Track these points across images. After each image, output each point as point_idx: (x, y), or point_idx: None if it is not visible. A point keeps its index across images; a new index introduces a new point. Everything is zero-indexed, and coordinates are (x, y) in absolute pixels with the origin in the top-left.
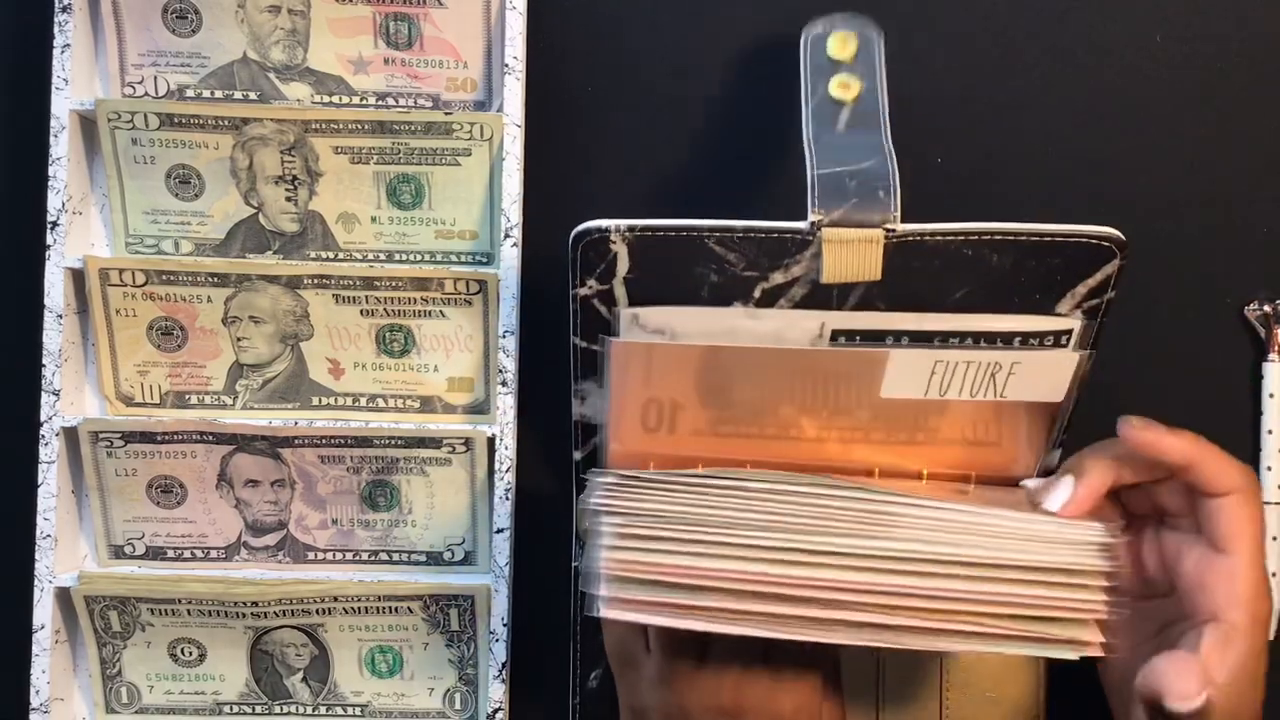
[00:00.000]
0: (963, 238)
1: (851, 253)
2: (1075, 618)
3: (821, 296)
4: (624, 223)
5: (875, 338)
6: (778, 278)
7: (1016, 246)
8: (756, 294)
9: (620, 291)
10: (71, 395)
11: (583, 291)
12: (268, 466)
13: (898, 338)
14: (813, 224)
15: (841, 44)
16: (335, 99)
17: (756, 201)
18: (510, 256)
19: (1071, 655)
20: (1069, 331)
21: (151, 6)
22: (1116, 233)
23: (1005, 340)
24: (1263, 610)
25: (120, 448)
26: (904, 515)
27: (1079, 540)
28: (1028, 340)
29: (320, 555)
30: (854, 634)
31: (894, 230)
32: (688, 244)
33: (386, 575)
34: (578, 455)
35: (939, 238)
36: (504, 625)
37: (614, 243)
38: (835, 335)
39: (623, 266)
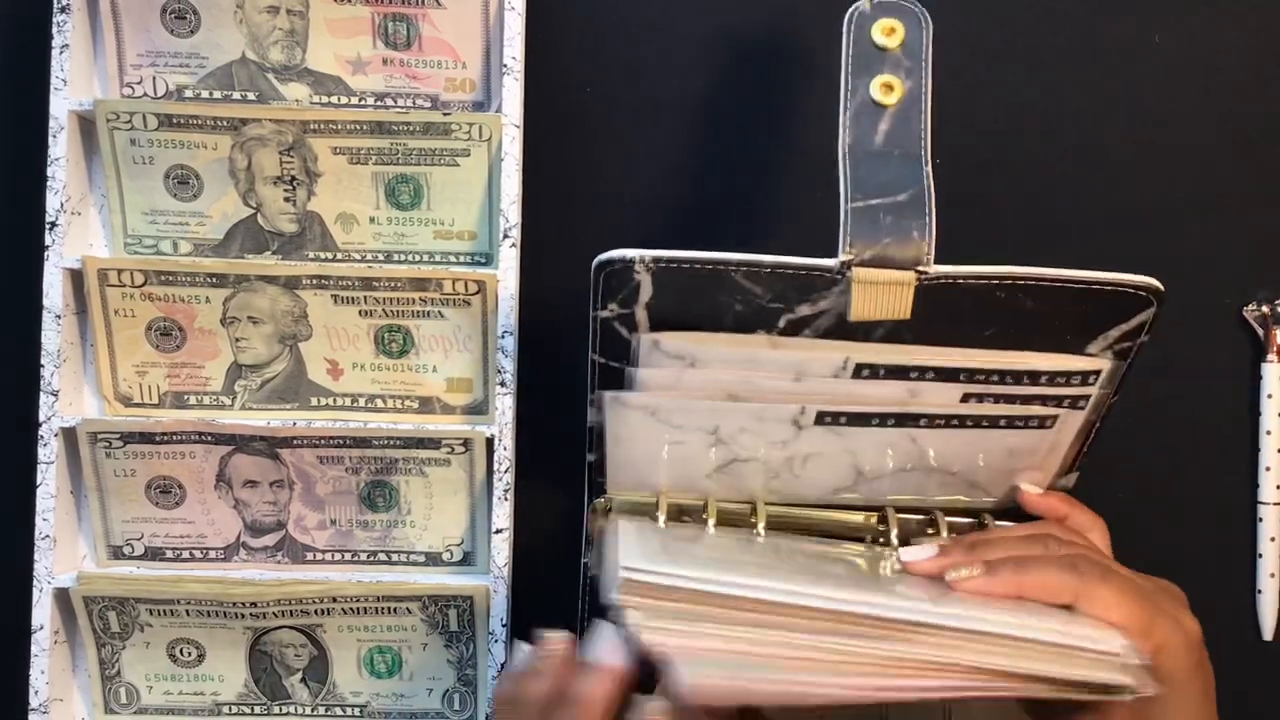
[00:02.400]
0: (997, 281)
1: (881, 293)
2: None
3: (847, 328)
4: (649, 254)
5: (899, 372)
6: (804, 310)
7: (1052, 292)
8: (781, 324)
9: (642, 316)
10: (70, 396)
11: (603, 314)
12: (266, 467)
13: (922, 373)
14: (842, 264)
15: (889, 29)
16: (334, 99)
17: (759, 199)
18: (509, 257)
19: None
20: (1097, 372)
21: (150, 7)
22: (1155, 283)
23: (1032, 378)
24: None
25: (119, 448)
26: (923, 638)
27: (1102, 654)
28: (1055, 379)
29: (319, 556)
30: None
31: (927, 273)
32: (713, 276)
33: (385, 576)
34: (591, 457)
35: (974, 281)
36: (503, 626)
37: (637, 272)
38: (859, 368)
39: (645, 294)
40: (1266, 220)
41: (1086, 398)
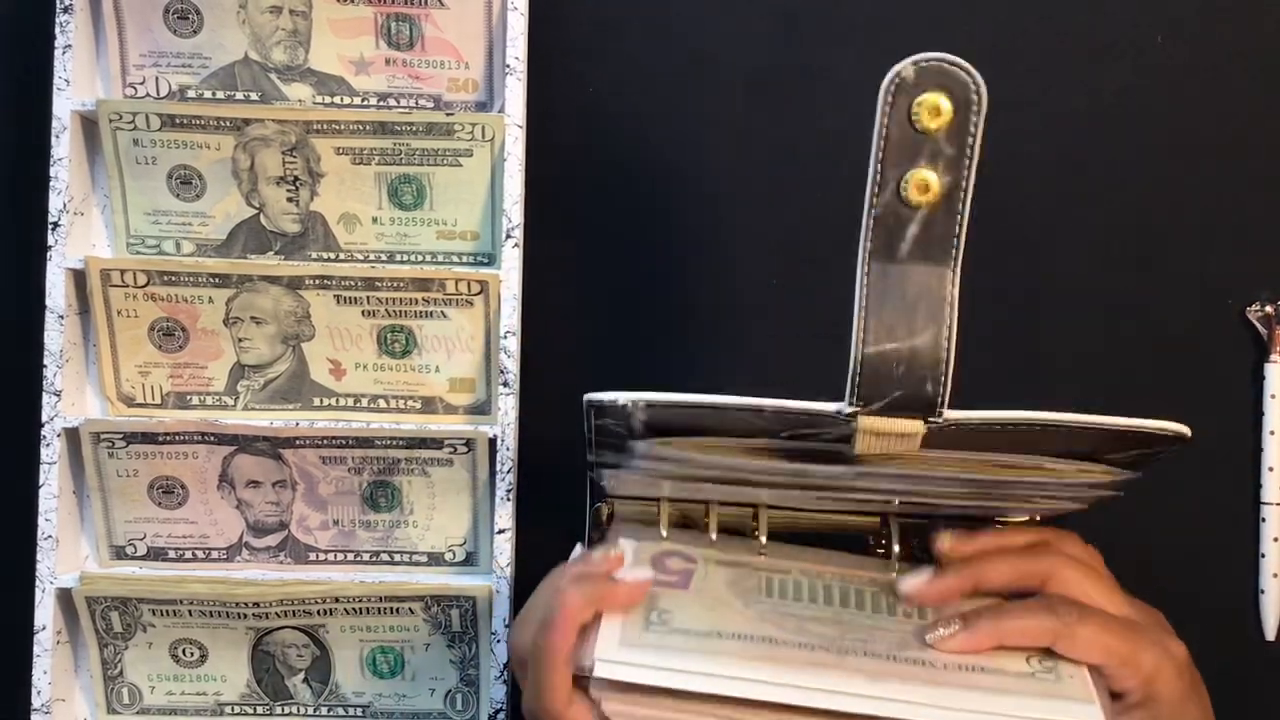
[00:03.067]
0: (1014, 427)
1: (887, 441)
2: None
3: (853, 451)
4: (642, 398)
5: (902, 477)
6: (806, 432)
7: (1070, 433)
8: (784, 435)
9: (639, 428)
10: (73, 396)
11: (598, 423)
12: (269, 467)
13: (930, 478)
14: (848, 415)
15: (934, 109)
16: (337, 100)
17: (760, 198)
18: (512, 257)
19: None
20: (1110, 480)
21: (153, 7)
22: (1183, 431)
23: (1040, 486)
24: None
25: (121, 448)
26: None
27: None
28: (1066, 484)
29: (321, 556)
30: None
31: (937, 423)
32: (710, 414)
33: (388, 576)
34: (592, 457)
35: (986, 428)
36: (505, 626)
37: (629, 412)
38: (862, 474)
39: (640, 419)
40: (1268, 220)
41: (1096, 498)
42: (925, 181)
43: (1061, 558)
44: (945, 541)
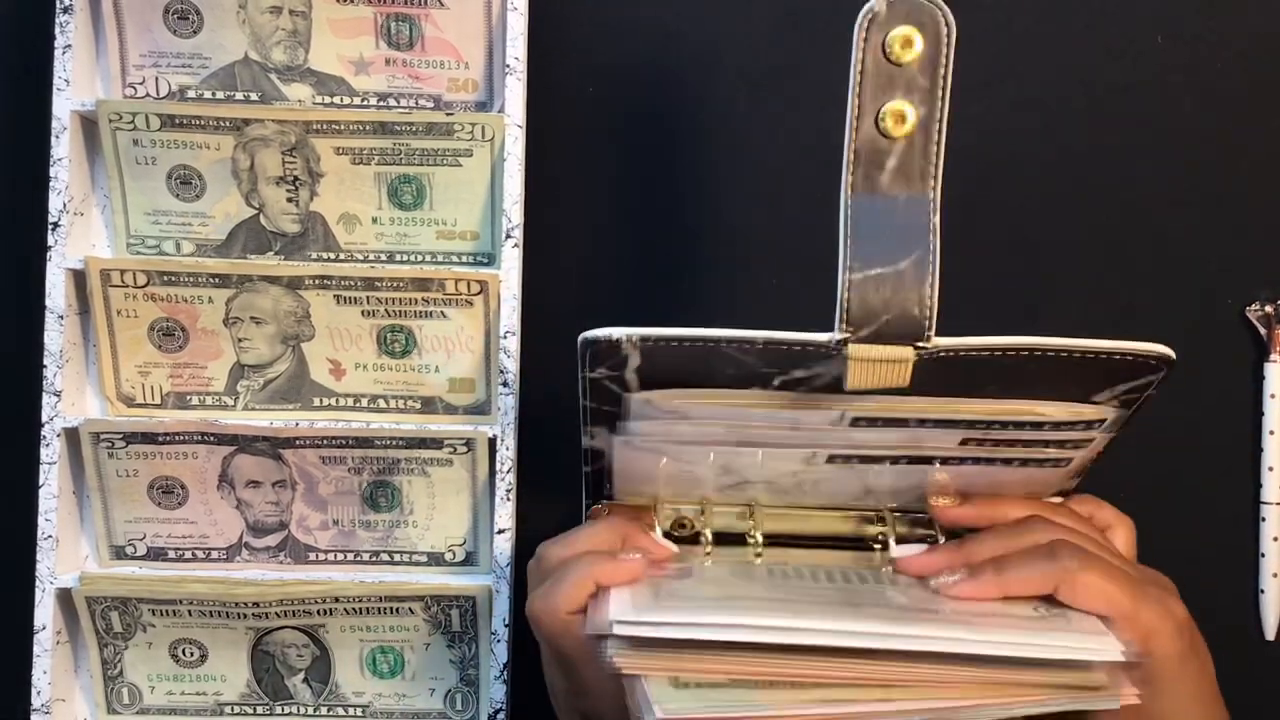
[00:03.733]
0: (1000, 353)
1: (878, 368)
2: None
3: (842, 388)
4: (635, 333)
5: (898, 422)
6: (798, 374)
7: (1058, 359)
8: (776, 383)
9: (632, 378)
10: (73, 396)
11: (592, 375)
12: (269, 467)
13: (921, 422)
14: (838, 342)
15: (906, 42)
16: (336, 100)
17: (763, 195)
18: (511, 257)
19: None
20: (1102, 420)
21: (153, 7)
22: (1167, 352)
23: (1034, 426)
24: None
25: (121, 448)
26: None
27: (1094, 650)
28: (1058, 426)
29: (321, 556)
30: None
31: (926, 348)
32: (701, 351)
33: (388, 576)
34: (588, 469)
35: (975, 354)
36: (505, 626)
37: (624, 349)
38: (856, 420)
39: (634, 362)
40: (1268, 220)
41: (1090, 441)
42: (901, 113)
43: (1054, 528)
44: (940, 503)
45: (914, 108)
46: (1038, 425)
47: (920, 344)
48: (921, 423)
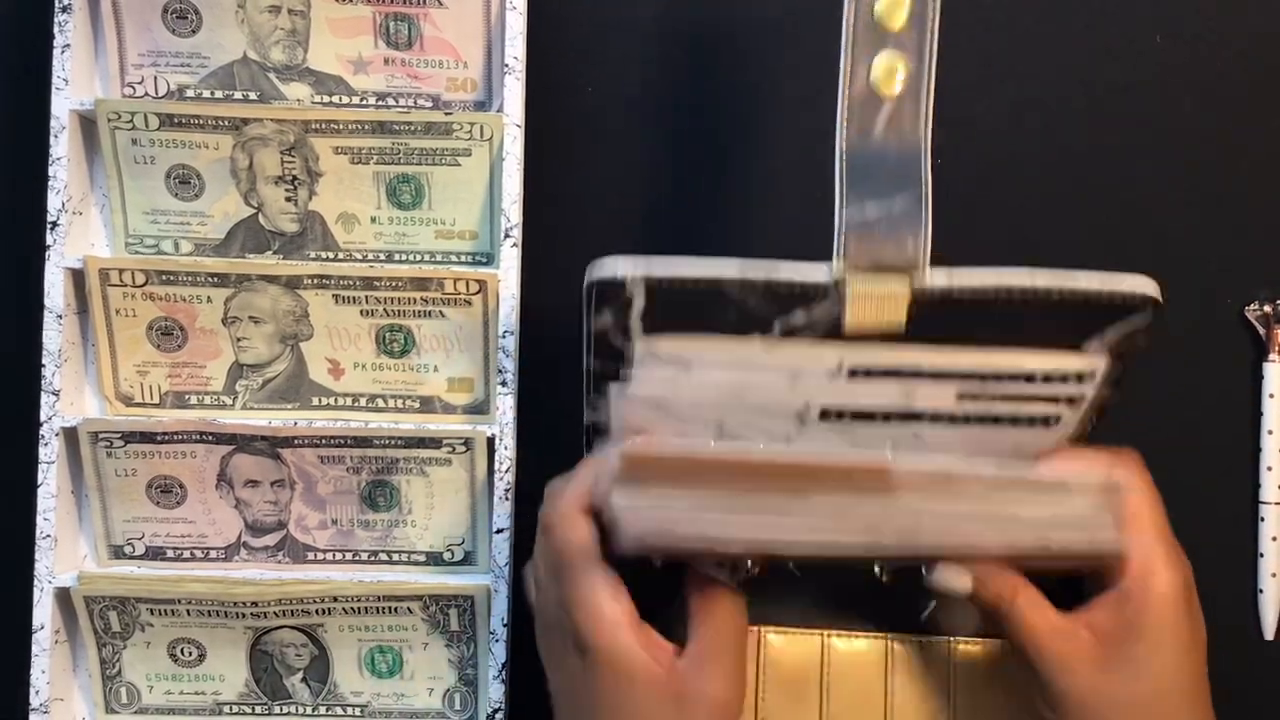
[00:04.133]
0: (993, 290)
1: (876, 305)
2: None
3: (841, 333)
4: (640, 271)
5: (894, 374)
6: (798, 317)
7: (1049, 298)
8: (776, 330)
9: (636, 325)
10: (71, 395)
11: (597, 325)
12: (267, 467)
13: (917, 374)
14: (836, 279)
15: (892, 7)
16: (335, 99)
17: (760, 195)
18: (510, 257)
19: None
20: (1094, 371)
21: (151, 6)
22: (1153, 292)
23: (1028, 379)
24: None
25: (120, 448)
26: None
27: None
28: (1050, 379)
29: (320, 555)
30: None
31: (922, 283)
32: (705, 290)
33: (386, 575)
34: (589, 413)
35: (972, 284)
36: (504, 625)
37: (628, 288)
38: (854, 371)
39: (638, 305)
40: (1267, 220)
41: (1084, 397)
42: (891, 66)
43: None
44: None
45: (904, 64)
46: (1030, 377)
47: (915, 278)
48: (917, 375)
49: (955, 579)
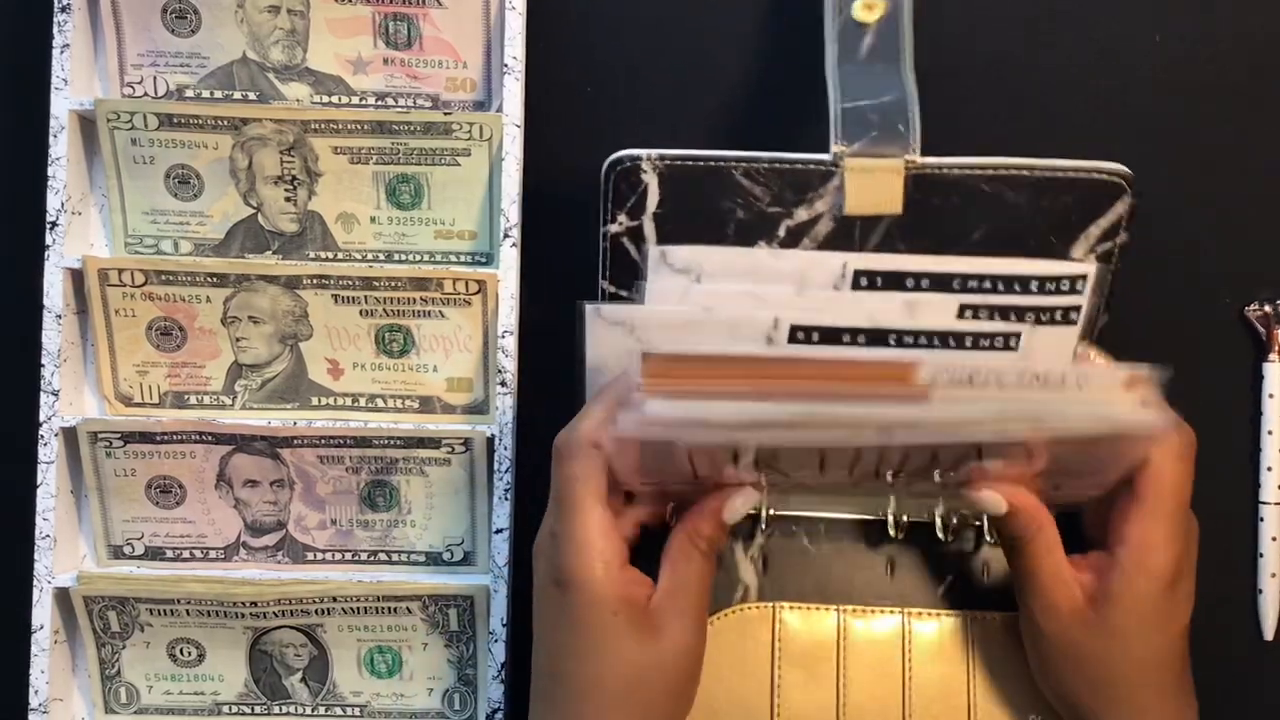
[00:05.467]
0: (979, 171)
1: (873, 183)
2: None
3: (844, 237)
4: (655, 151)
5: (896, 279)
6: (801, 214)
7: (1031, 183)
8: (781, 233)
9: (649, 228)
10: (70, 395)
11: (613, 229)
12: (267, 467)
13: (918, 280)
14: (835, 155)
15: None
16: (334, 99)
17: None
18: (509, 256)
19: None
20: (1084, 276)
21: (150, 6)
22: (1124, 168)
23: (1023, 284)
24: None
25: (119, 448)
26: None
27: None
28: (1044, 285)
29: (319, 555)
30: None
31: (914, 162)
32: (716, 176)
33: (385, 575)
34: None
35: (957, 171)
36: (503, 626)
37: (645, 172)
38: (858, 276)
39: (653, 200)
40: (1267, 220)
41: (1077, 309)
42: (870, 2)
43: None
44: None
45: (882, 1)
46: (1025, 284)
47: (909, 157)
48: (918, 283)
49: (992, 502)
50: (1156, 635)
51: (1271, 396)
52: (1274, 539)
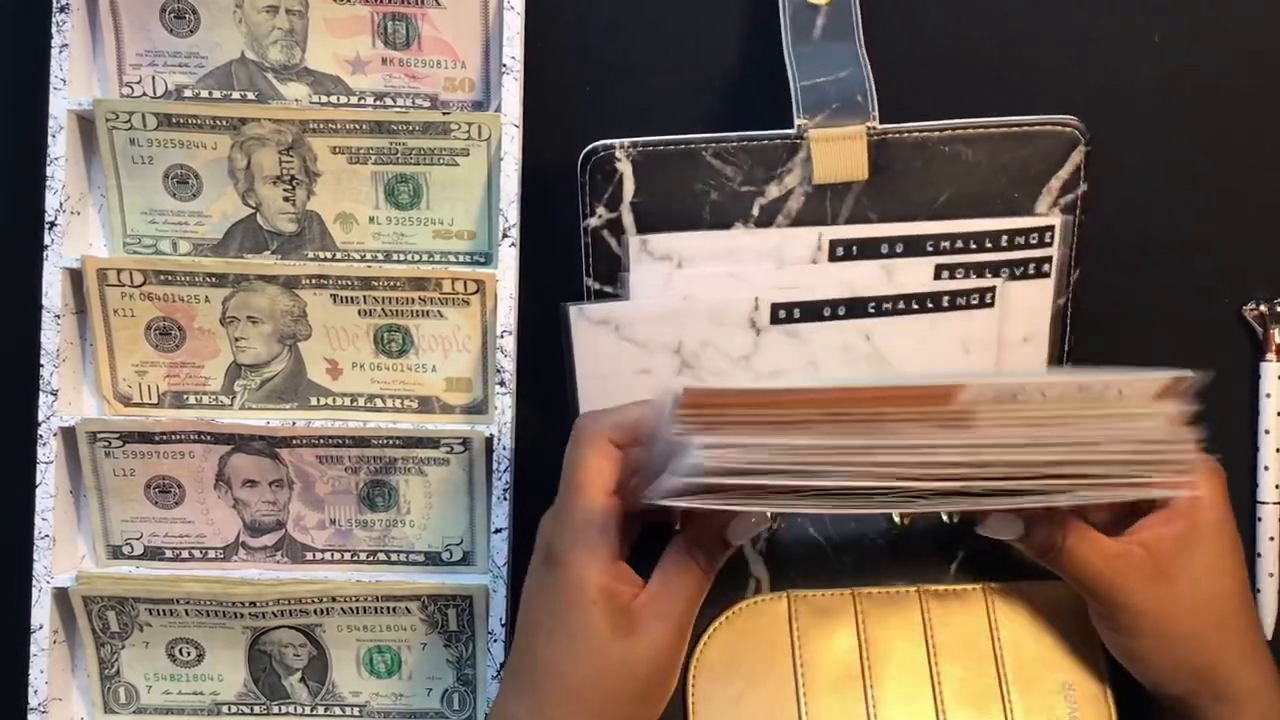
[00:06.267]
0: (938, 133)
1: (838, 151)
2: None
3: (816, 212)
4: (628, 140)
5: (871, 247)
6: (773, 190)
7: (988, 139)
8: (755, 211)
9: (628, 219)
10: (69, 395)
11: (593, 222)
12: (266, 466)
13: (892, 245)
14: (799, 128)
15: None
16: (333, 99)
17: None
18: (508, 256)
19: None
20: (1051, 228)
21: (149, 6)
22: (1075, 120)
23: (994, 240)
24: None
25: (118, 448)
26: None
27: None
28: (1014, 239)
29: (318, 555)
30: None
31: (875, 128)
32: (687, 159)
33: (384, 575)
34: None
35: (917, 134)
36: (502, 625)
37: (619, 160)
38: (834, 246)
39: (629, 189)
40: (1266, 220)
41: (1048, 259)
42: None
43: None
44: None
45: None
46: (995, 239)
47: (869, 125)
48: (893, 248)
49: (1007, 528)
50: (1230, 560)
51: (1269, 396)
52: (1272, 539)
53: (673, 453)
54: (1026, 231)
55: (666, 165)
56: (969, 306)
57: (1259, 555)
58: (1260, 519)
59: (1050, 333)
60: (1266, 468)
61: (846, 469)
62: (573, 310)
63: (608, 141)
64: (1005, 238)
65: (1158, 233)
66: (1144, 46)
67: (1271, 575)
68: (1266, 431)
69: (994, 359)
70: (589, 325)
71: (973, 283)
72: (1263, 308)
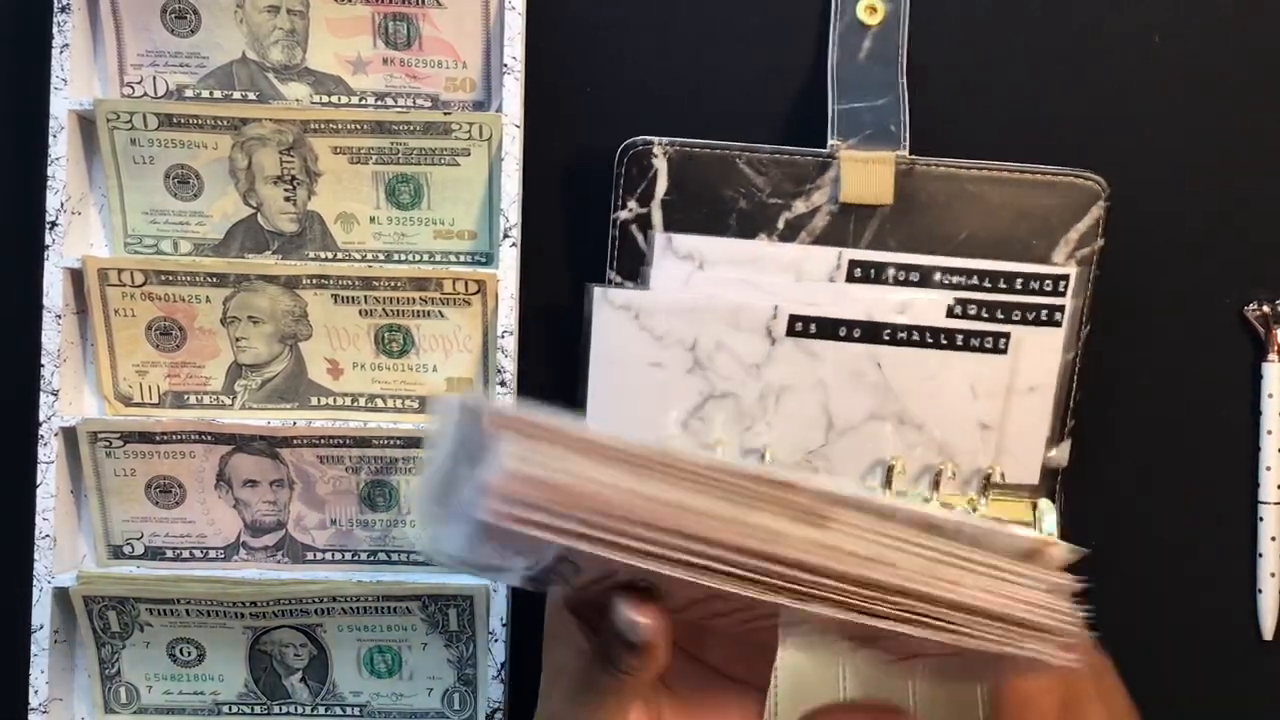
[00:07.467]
0: (964, 171)
1: (867, 174)
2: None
3: (839, 233)
4: (666, 138)
5: (888, 271)
6: (799, 206)
7: (1013, 184)
8: (780, 225)
9: (657, 216)
10: (70, 395)
11: (623, 215)
12: (266, 466)
13: (909, 273)
14: (832, 148)
15: None
16: (334, 99)
17: None
18: (509, 256)
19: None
20: (1066, 277)
21: (150, 6)
22: (1099, 176)
23: (1009, 281)
24: None
25: (119, 448)
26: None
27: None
28: (1029, 283)
29: (319, 555)
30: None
31: (905, 157)
32: (721, 164)
33: (385, 575)
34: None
35: (944, 169)
36: (502, 625)
37: (656, 156)
38: (852, 267)
39: (661, 186)
40: (1267, 220)
41: (1061, 309)
42: (873, 4)
43: None
44: None
45: (883, 3)
46: (1010, 280)
47: (899, 153)
48: (908, 276)
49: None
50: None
51: (1270, 396)
52: (1273, 539)
53: (478, 459)
54: (1041, 278)
55: (700, 167)
56: (982, 350)
57: (1260, 555)
58: (1261, 519)
59: (1057, 386)
60: (1268, 468)
61: (671, 531)
62: (597, 291)
63: (646, 137)
64: (1020, 281)
65: (1160, 233)
66: (1144, 47)
67: (1272, 575)
68: (1269, 432)
69: (1001, 406)
70: (611, 309)
71: (989, 326)
72: (1265, 308)
